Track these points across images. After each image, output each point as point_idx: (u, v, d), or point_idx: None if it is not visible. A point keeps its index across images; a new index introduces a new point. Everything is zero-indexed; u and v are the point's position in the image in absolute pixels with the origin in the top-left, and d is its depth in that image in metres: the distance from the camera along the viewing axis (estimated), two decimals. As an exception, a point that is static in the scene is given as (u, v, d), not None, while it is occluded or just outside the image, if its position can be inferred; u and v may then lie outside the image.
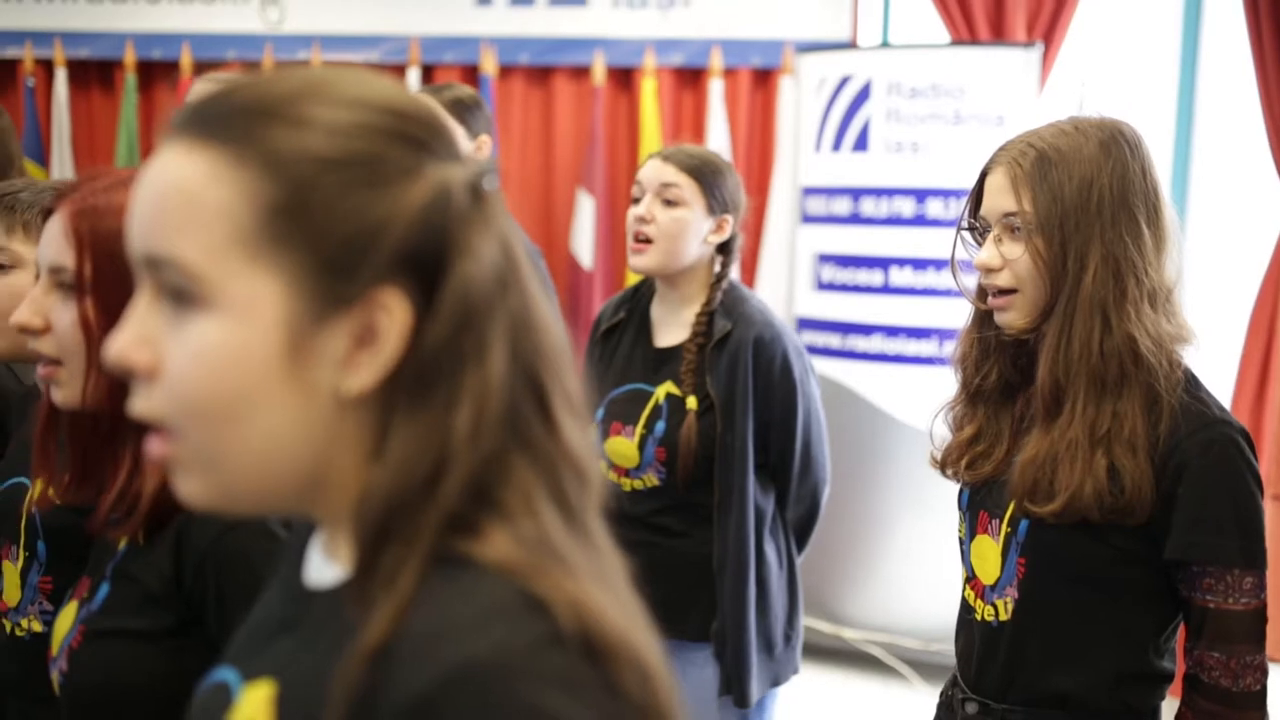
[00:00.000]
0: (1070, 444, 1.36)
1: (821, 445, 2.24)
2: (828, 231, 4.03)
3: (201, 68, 4.79)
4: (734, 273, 4.39)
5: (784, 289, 4.34)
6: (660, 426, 2.15)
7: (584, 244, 4.56)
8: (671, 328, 2.23)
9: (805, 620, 4.05)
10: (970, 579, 1.50)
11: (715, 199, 2.17)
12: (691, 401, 2.14)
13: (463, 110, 2.67)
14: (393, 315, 0.66)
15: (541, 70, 4.73)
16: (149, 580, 1.12)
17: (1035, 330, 1.44)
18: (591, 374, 2.30)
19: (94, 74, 4.92)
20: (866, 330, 3.96)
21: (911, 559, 3.88)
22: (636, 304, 2.31)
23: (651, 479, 2.17)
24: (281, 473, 0.68)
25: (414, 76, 4.64)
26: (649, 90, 4.55)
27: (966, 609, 1.52)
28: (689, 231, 2.15)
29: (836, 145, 3.99)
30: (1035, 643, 1.43)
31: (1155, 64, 4.37)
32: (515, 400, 0.67)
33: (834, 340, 4.03)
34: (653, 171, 2.18)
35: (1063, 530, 1.38)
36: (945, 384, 1.61)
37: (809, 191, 4.09)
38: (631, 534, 2.18)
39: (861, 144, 3.93)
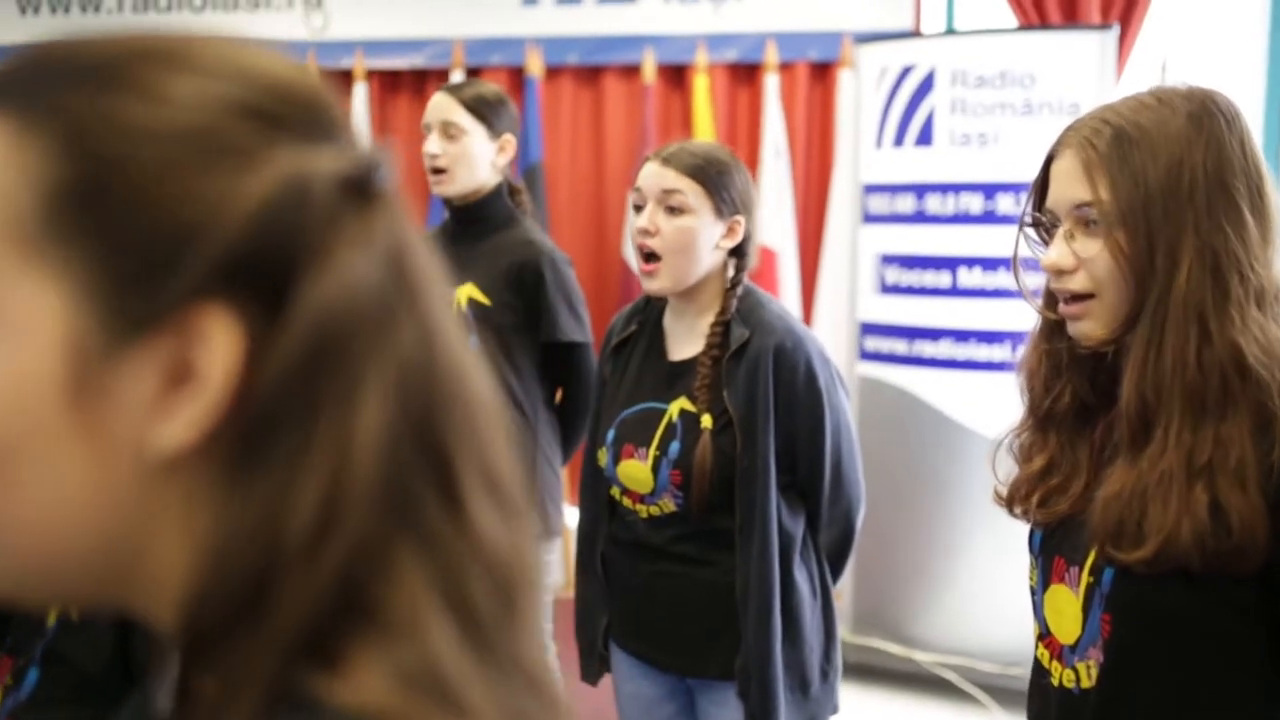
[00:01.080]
0: (1163, 477, 1.13)
1: (854, 462, 2.04)
2: (891, 231, 3.81)
3: (244, 77, 4.70)
4: (791, 280, 4.21)
5: (846, 292, 4.13)
6: (675, 447, 1.97)
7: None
8: (686, 339, 2.05)
9: (874, 641, 3.86)
10: (1044, 636, 1.28)
11: (724, 201, 1.98)
12: (706, 419, 1.95)
13: (484, 108, 2.51)
14: (214, 345, 0.48)
15: (590, 70, 4.57)
16: (86, 662, 0.96)
17: (1117, 342, 1.21)
18: (604, 392, 2.13)
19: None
20: (934, 335, 3.73)
21: (987, 576, 3.65)
22: (649, 315, 2.13)
23: (668, 504, 1.99)
24: (73, 553, 0.50)
25: (458, 80, 4.50)
26: (701, 88, 4.36)
27: (1040, 672, 1.28)
28: (697, 241, 1.97)
29: (899, 140, 3.77)
30: (1125, 715, 1.20)
31: (1242, 45, 4.08)
32: (401, 472, 0.49)
33: (900, 346, 3.81)
34: (653, 177, 1.99)
35: (1156, 581, 1.15)
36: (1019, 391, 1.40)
37: (871, 189, 3.88)
38: (651, 564, 2.01)
39: (925, 138, 3.71)
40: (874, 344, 3.88)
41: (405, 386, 0.50)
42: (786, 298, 4.28)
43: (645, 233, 1.98)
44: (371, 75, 4.63)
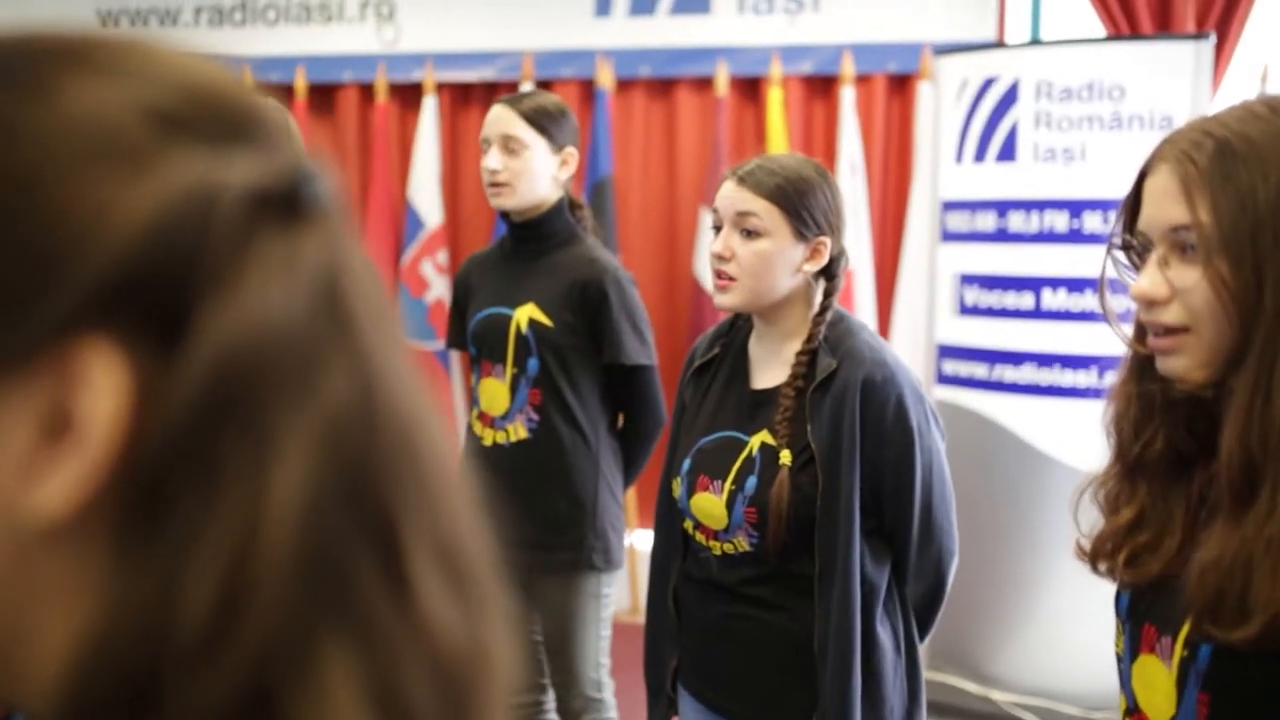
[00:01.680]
0: (1270, 544, 0.98)
1: (946, 508, 1.89)
2: (971, 250, 3.66)
3: (315, 91, 4.69)
4: (867, 300, 4.07)
5: (923, 313, 3.98)
6: (751, 482, 1.84)
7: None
8: (770, 367, 1.92)
9: (950, 679, 3.70)
10: (1133, 712, 1.13)
11: (805, 223, 1.85)
12: (785, 455, 1.82)
13: (545, 120, 2.42)
14: (95, 389, 0.39)
15: (662, 83, 4.48)
16: None
17: (1217, 384, 1.07)
18: (682, 418, 2.02)
19: (214, 101, 4.86)
20: (1016, 359, 3.57)
21: (1071, 613, 3.47)
22: (733, 339, 2.00)
23: (742, 543, 1.86)
24: None
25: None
26: (776, 100, 4.25)
27: None
28: (775, 266, 1.85)
29: (980, 155, 3.62)
30: None
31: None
32: (328, 545, 0.40)
33: (979, 370, 3.65)
34: (728, 198, 1.87)
35: (1262, 662, 1.00)
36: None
37: (949, 206, 3.73)
38: (723, 605, 1.88)
39: (1008, 152, 3.55)
40: (952, 367, 3.73)
41: (336, 441, 0.40)
42: (862, 318, 4.14)
43: (720, 258, 1.87)
44: (442, 88, 4.59)
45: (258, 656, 0.38)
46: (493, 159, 2.42)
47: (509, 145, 2.42)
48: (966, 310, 3.68)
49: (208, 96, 0.43)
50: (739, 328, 2.01)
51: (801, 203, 1.84)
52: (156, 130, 0.41)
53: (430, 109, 4.53)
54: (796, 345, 1.88)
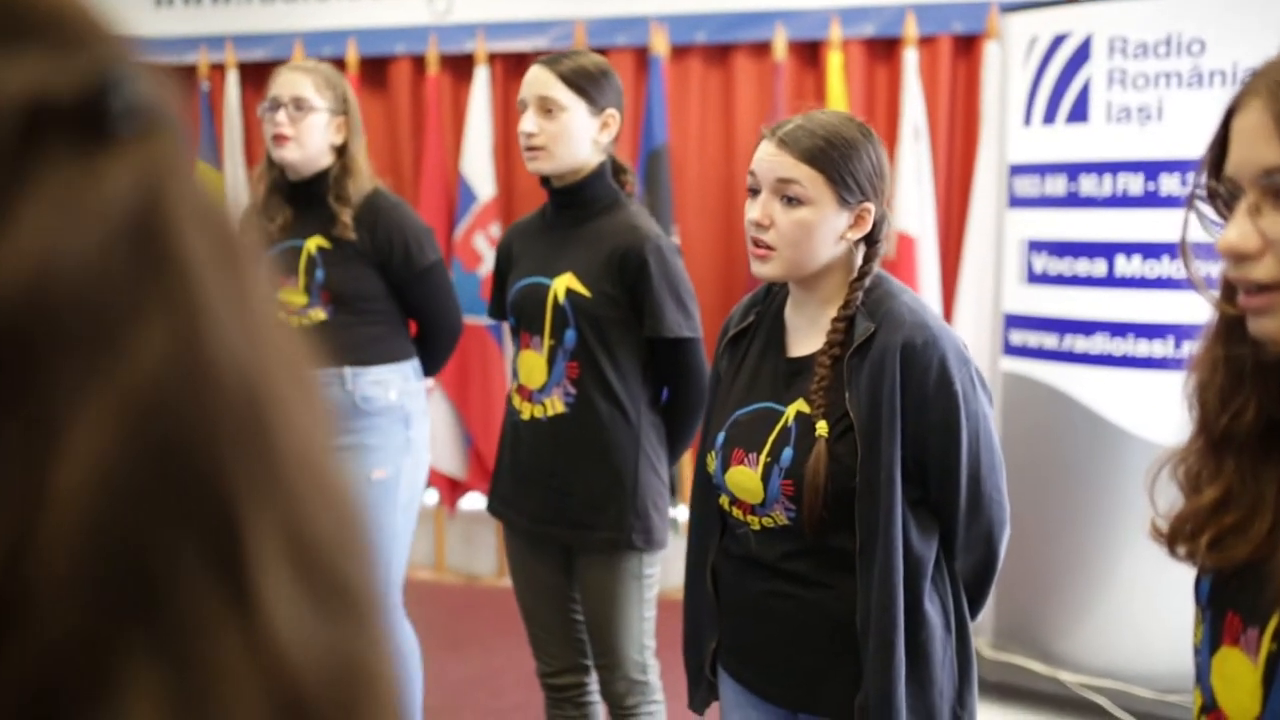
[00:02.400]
0: None
1: (996, 477, 1.77)
2: (1040, 215, 3.51)
3: (367, 64, 4.63)
4: (931, 268, 3.93)
5: (990, 282, 3.83)
6: (787, 454, 1.75)
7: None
8: (808, 334, 1.82)
9: (1016, 659, 3.57)
10: (1210, 709, 1.02)
11: (849, 188, 1.74)
12: (822, 426, 1.73)
13: (585, 81, 2.32)
14: None
15: (719, 49, 4.36)
16: None
17: None
18: (717, 390, 1.92)
19: (269, 75, 4.82)
20: (1087, 328, 3.42)
21: (1142, 592, 3.33)
22: (769, 306, 1.91)
23: (780, 517, 1.77)
24: None
25: (581, 61, 4.34)
26: (835, 64, 4.11)
27: None
28: (816, 234, 1.74)
29: (1050, 116, 3.46)
30: None
31: None
32: (137, 542, 0.31)
33: (1049, 340, 3.51)
34: (767, 161, 1.76)
35: None
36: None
37: (1017, 170, 3.58)
38: (761, 582, 1.80)
39: (1079, 113, 3.40)
40: (1020, 337, 3.58)
41: (148, 413, 0.31)
42: (926, 287, 4.01)
43: (759, 225, 1.76)
44: (494, 59, 4.51)
45: (36, 681, 0.29)
46: (529, 122, 2.33)
47: (546, 107, 2.32)
48: (1035, 278, 3.53)
49: None
50: (775, 295, 1.91)
51: (845, 167, 1.73)
52: None
53: (482, 80, 4.46)
54: (834, 312, 1.78)
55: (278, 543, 0.33)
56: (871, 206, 1.76)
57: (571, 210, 2.38)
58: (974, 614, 1.85)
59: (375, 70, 4.67)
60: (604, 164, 2.38)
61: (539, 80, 2.34)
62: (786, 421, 1.77)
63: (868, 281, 1.78)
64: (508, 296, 2.46)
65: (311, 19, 4.69)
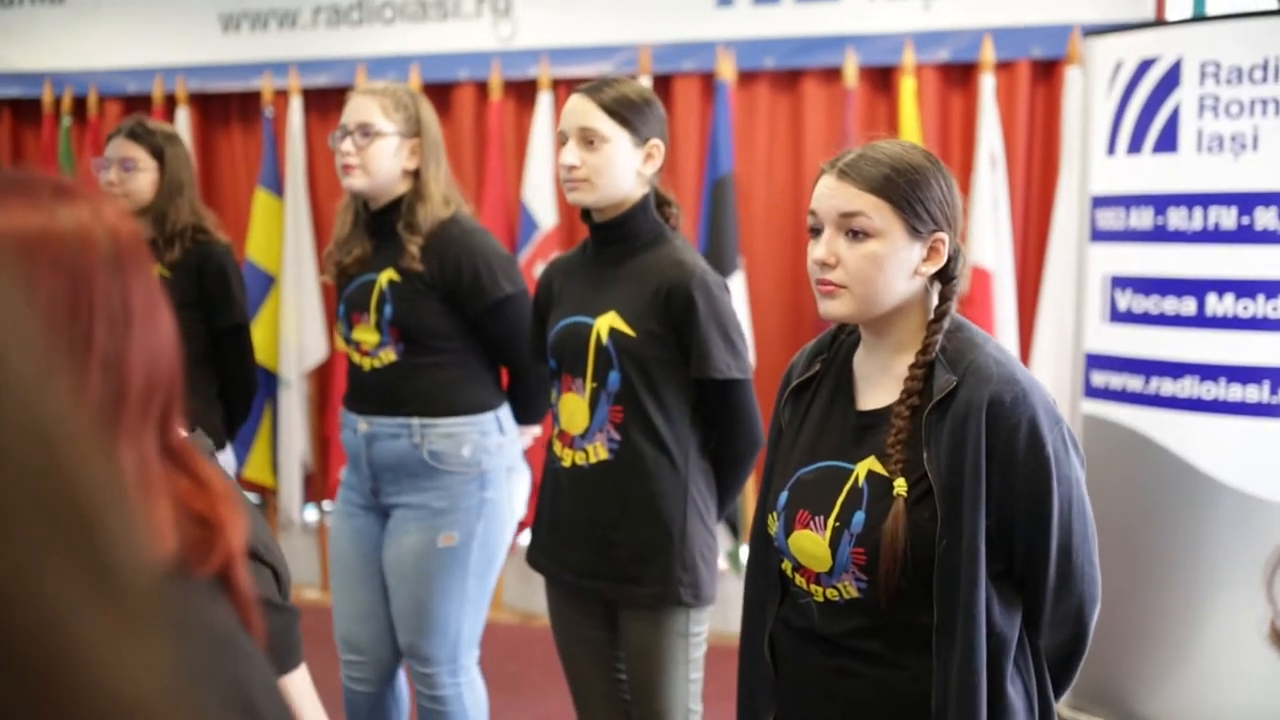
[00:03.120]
0: None
1: (1088, 549, 1.60)
2: (1124, 250, 3.31)
3: (430, 90, 4.57)
4: (1007, 304, 3.74)
5: (1070, 320, 3.64)
6: (858, 518, 1.59)
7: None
8: (880, 384, 1.65)
9: (1095, 719, 3.37)
10: None
11: (918, 216, 1.58)
12: (900, 485, 1.56)
13: (628, 110, 2.20)
14: None
15: (788, 74, 4.22)
16: None
17: None
18: (779, 444, 1.77)
19: (332, 101, 4.79)
20: (1175, 370, 3.21)
21: (1234, 651, 3.12)
22: (836, 353, 1.74)
23: (849, 588, 1.60)
24: None
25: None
26: (909, 90, 3.95)
27: None
28: (887, 268, 1.58)
29: (1135, 145, 3.27)
30: None
31: None
32: None
33: (1134, 383, 3.30)
34: (829, 195, 1.60)
35: None
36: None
37: (1100, 202, 3.39)
38: (825, 658, 1.63)
39: (1168, 142, 3.20)
40: (1102, 379, 3.38)
41: None
42: (1002, 324, 3.82)
43: (824, 265, 1.60)
44: (558, 84, 4.42)
45: None
46: (570, 154, 2.20)
47: (587, 138, 2.19)
48: (1119, 316, 3.34)
49: None
50: (842, 341, 1.75)
51: (914, 194, 1.58)
52: None
53: (545, 106, 4.37)
54: (909, 359, 1.62)
55: None
56: (945, 237, 1.61)
57: (614, 245, 2.26)
58: (1059, 695, 1.68)
59: (438, 96, 4.61)
60: (647, 196, 2.26)
61: (579, 110, 2.21)
62: (857, 481, 1.62)
63: (946, 323, 1.62)
64: (548, 337, 2.33)
65: (375, 44, 4.64)
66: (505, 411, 2.65)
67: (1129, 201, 3.29)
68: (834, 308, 1.62)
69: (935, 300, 1.64)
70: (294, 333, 4.61)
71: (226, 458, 3.11)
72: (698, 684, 2.27)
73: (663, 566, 2.20)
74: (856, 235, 1.58)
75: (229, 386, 3.02)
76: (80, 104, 4.99)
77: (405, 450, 2.56)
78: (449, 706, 2.62)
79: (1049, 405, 1.57)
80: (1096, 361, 3.41)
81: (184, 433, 1.33)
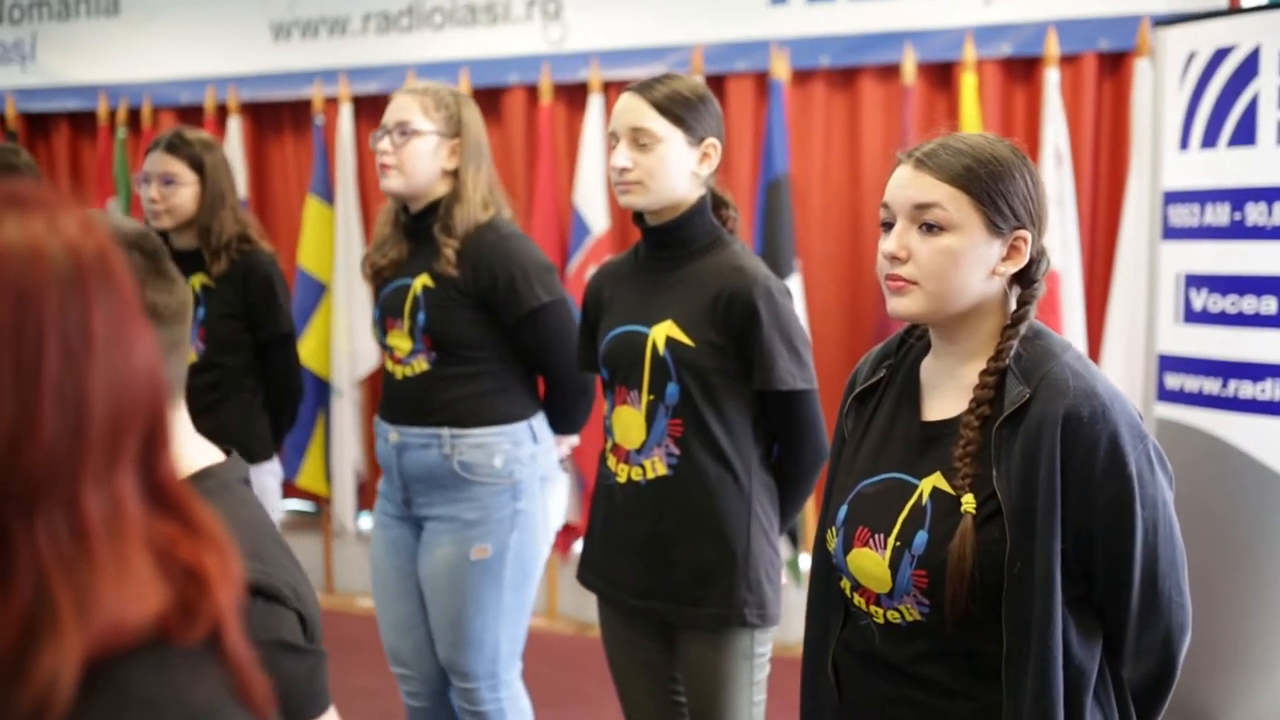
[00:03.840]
0: None
1: (1176, 575, 1.48)
2: (1198, 248, 3.18)
3: (480, 94, 4.52)
4: (1075, 305, 3.62)
5: (1142, 320, 3.51)
6: (920, 538, 1.48)
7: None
8: (948, 393, 1.55)
9: (1175, 737, 3.24)
10: None
11: (1000, 213, 1.47)
12: (968, 501, 1.45)
13: (681, 108, 2.12)
14: None
15: (844, 72, 4.12)
16: None
17: None
18: (840, 455, 1.67)
19: (382, 107, 4.75)
20: (1255, 372, 3.08)
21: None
22: (902, 359, 1.64)
23: (911, 611, 1.50)
24: None
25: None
26: (969, 86, 3.84)
27: None
28: (963, 264, 1.47)
29: (1210, 139, 3.14)
30: None
31: None
32: None
33: (1211, 385, 3.17)
34: (903, 185, 1.50)
35: None
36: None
37: (1173, 198, 3.26)
38: (888, 686, 1.53)
39: (1245, 135, 3.07)
40: (1176, 381, 3.25)
41: None
42: (1070, 326, 3.69)
43: (894, 259, 1.50)
44: (608, 86, 4.35)
45: None
46: (621, 156, 2.11)
47: (640, 139, 2.10)
48: (1193, 316, 3.20)
49: None
50: (910, 346, 1.65)
51: (996, 188, 1.47)
52: None
53: (596, 109, 4.31)
54: (981, 366, 1.51)
55: None
56: (1028, 235, 1.50)
57: (669, 250, 2.17)
58: None
59: (488, 100, 4.56)
60: (704, 198, 2.17)
61: (631, 109, 2.13)
62: (921, 498, 1.51)
63: (1023, 329, 1.50)
64: (599, 347, 2.25)
65: (425, 50, 4.61)
66: (539, 420, 2.58)
67: (1204, 197, 3.16)
68: (903, 305, 1.51)
69: (1014, 305, 1.54)
70: (346, 341, 4.59)
71: (276, 466, 3.07)
72: (761, 706, 2.18)
73: (726, 587, 2.11)
74: (931, 229, 1.48)
75: (275, 395, 2.99)
76: (135, 115, 5.01)
77: (435, 461, 2.50)
78: None
79: (1133, 421, 1.46)
80: (1170, 363, 3.28)
81: (218, 455, 1.27)
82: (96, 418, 0.65)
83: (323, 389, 4.64)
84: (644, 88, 2.14)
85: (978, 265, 1.48)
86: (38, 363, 0.63)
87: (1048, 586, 1.42)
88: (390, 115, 2.53)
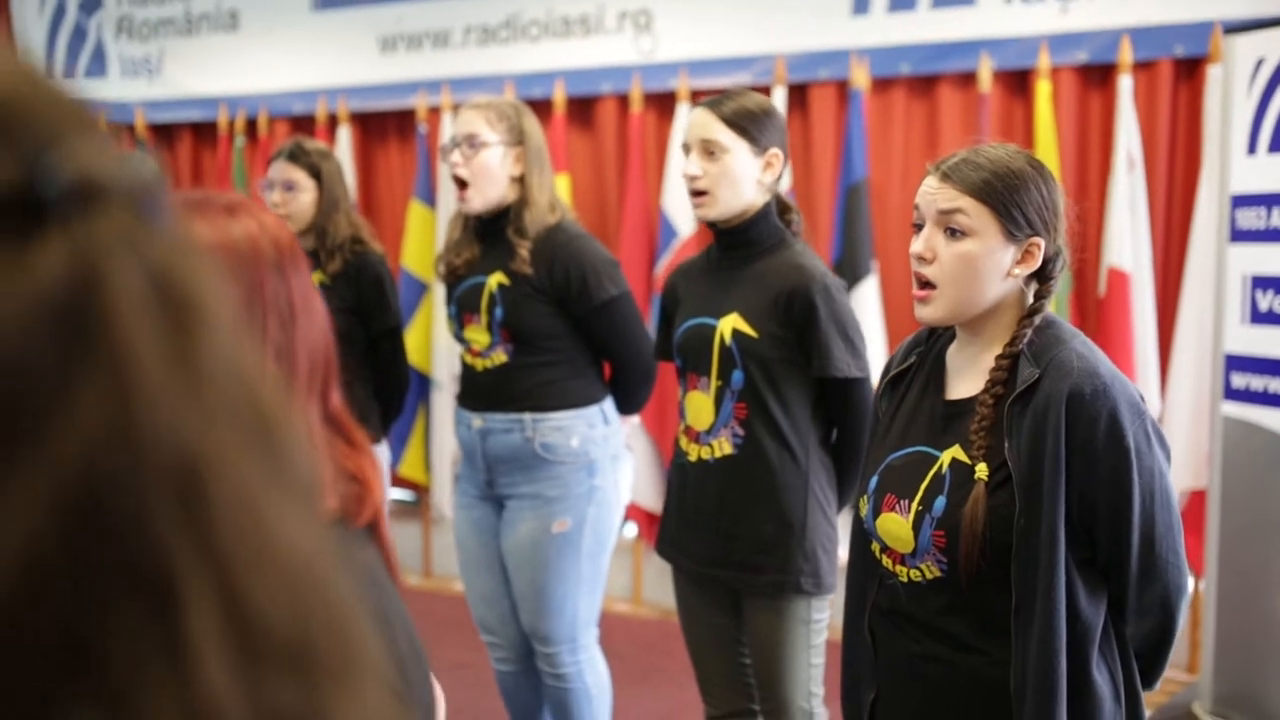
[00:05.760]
0: None
1: (1173, 538, 1.65)
2: (1265, 250, 3.26)
3: (574, 103, 4.75)
4: (1146, 306, 3.70)
5: (1210, 320, 3.59)
6: (940, 503, 1.68)
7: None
8: (968, 376, 1.75)
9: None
10: None
11: (1015, 221, 1.66)
12: (981, 469, 1.64)
13: (747, 121, 2.32)
14: None
15: (922, 80, 4.26)
16: None
17: None
18: (875, 431, 1.87)
19: (482, 117, 5.01)
20: (1319, 371, 3.15)
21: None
22: (931, 347, 1.84)
23: (931, 569, 1.69)
24: None
25: (780, 96, 4.33)
26: (1044, 93, 3.95)
27: None
28: (981, 270, 1.66)
29: (1277, 143, 3.22)
30: None
31: None
32: (74, 611, 0.33)
33: (1276, 384, 3.25)
34: (930, 193, 1.70)
35: None
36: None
37: (1240, 201, 3.34)
38: (914, 643, 1.72)
39: (1311, 139, 3.15)
40: (1243, 380, 3.34)
41: (81, 494, 0.34)
42: (1141, 326, 3.79)
43: (921, 259, 1.70)
44: (696, 95, 4.54)
45: None
46: (692, 164, 2.34)
47: (709, 149, 2.32)
48: (1260, 317, 3.29)
49: None
50: (939, 334, 1.84)
51: (1011, 199, 1.66)
52: None
53: (684, 117, 4.50)
54: (999, 350, 1.70)
55: (215, 607, 0.35)
56: (1041, 241, 1.69)
57: (737, 250, 2.38)
58: (1150, 683, 1.73)
59: (582, 109, 4.79)
60: (769, 204, 2.37)
61: (701, 123, 2.35)
62: (941, 468, 1.71)
63: (1037, 319, 1.69)
64: (674, 337, 2.46)
65: (522, 61, 4.84)
66: (609, 403, 2.80)
67: (1270, 200, 3.24)
68: (927, 312, 1.71)
69: (1030, 299, 1.72)
70: (445, 336, 4.84)
71: (383, 451, 3.32)
72: (819, 669, 2.37)
73: (784, 556, 2.30)
74: (954, 234, 1.67)
75: (383, 386, 3.23)
76: (252, 125, 5.34)
77: (518, 443, 2.72)
78: (572, 684, 2.78)
79: (1131, 398, 1.62)
80: (1237, 363, 3.36)
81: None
82: (299, 367, 0.89)
83: (424, 382, 4.90)
84: (713, 103, 2.35)
85: (994, 269, 1.67)
86: (263, 330, 0.88)
87: (1052, 547, 1.59)
88: (458, 129, 2.77)
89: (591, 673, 2.81)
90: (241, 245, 0.90)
